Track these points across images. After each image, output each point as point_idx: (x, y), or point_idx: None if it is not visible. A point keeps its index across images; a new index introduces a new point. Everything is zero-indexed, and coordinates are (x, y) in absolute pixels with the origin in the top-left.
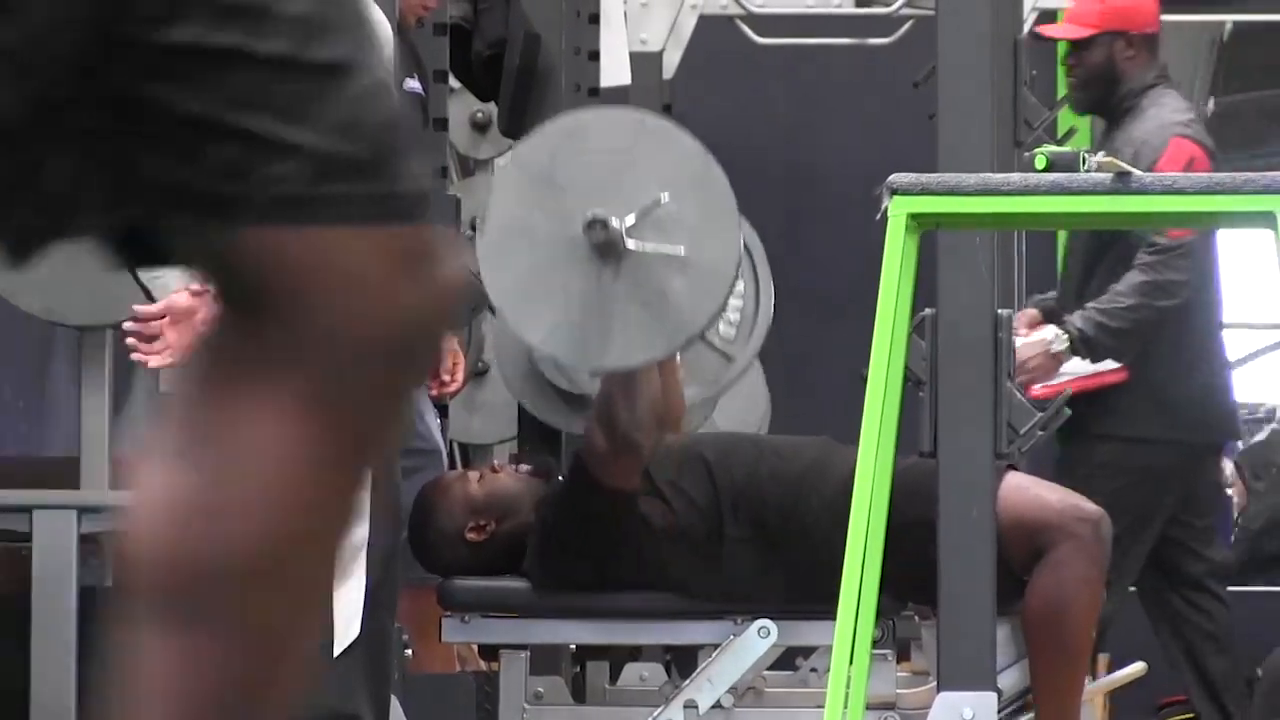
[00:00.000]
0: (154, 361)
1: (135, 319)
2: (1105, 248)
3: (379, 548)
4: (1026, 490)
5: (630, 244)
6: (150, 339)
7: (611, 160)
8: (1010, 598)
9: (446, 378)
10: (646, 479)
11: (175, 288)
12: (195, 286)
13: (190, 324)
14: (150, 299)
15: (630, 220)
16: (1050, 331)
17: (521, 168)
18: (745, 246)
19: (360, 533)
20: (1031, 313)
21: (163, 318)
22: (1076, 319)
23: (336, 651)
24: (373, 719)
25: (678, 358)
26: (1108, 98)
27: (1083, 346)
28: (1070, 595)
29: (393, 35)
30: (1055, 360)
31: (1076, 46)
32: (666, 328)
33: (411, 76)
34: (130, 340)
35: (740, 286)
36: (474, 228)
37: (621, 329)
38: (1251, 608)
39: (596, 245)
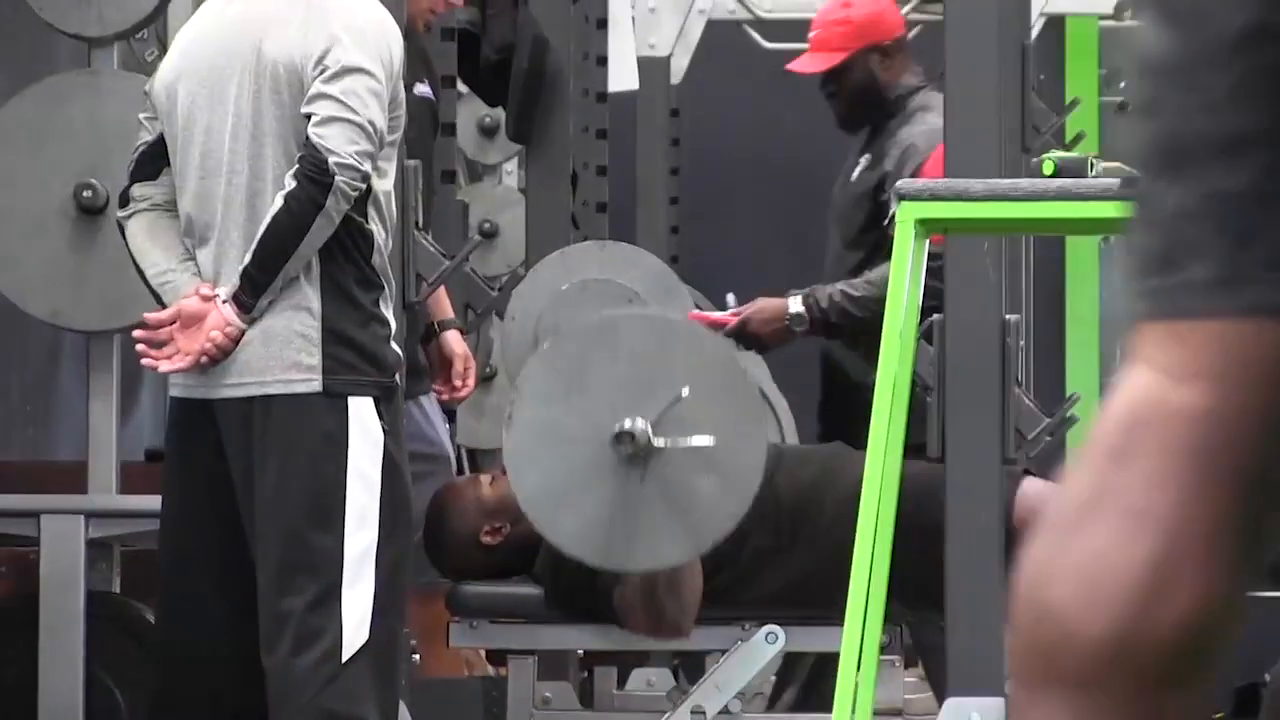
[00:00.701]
0: (164, 367)
1: (145, 324)
2: (868, 230)
3: (388, 553)
4: (1040, 495)
5: (658, 441)
6: (160, 344)
7: (639, 361)
8: None
9: (458, 383)
10: None
11: (186, 292)
12: (206, 291)
13: (200, 329)
14: (161, 305)
15: (654, 417)
16: (794, 297)
17: (550, 368)
18: (771, 406)
19: (369, 538)
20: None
21: (173, 323)
22: (821, 291)
23: (345, 656)
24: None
25: None
26: (875, 111)
27: (819, 322)
28: None
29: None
30: (786, 329)
31: (833, 73)
32: (694, 529)
33: (422, 81)
34: (140, 346)
35: None
36: (482, 232)
37: (649, 532)
38: (1259, 613)
39: (626, 458)
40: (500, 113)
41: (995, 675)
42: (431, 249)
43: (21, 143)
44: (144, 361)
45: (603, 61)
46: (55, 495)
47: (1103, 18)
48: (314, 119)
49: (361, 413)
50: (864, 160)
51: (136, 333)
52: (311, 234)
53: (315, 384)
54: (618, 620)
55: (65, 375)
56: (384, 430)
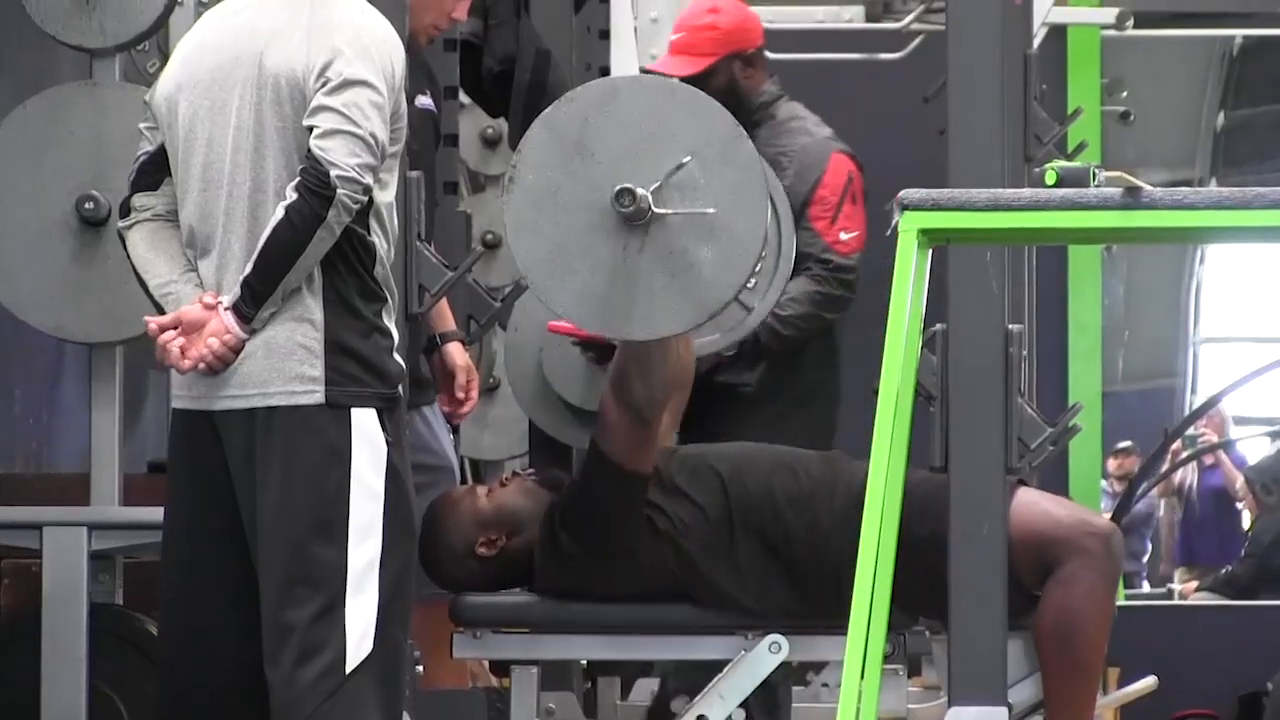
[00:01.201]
0: (175, 359)
1: (149, 330)
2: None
3: (392, 565)
4: (1036, 505)
5: (658, 209)
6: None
7: (641, 128)
8: (1021, 612)
9: (461, 396)
10: (657, 487)
11: (188, 300)
12: (208, 299)
13: (200, 336)
14: (161, 312)
15: (655, 185)
16: None
17: (552, 132)
18: (770, 198)
19: (373, 549)
20: None
21: (174, 328)
22: None
23: (349, 668)
24: None
25: None
26: (736, 117)
27: (749, 342)
28: (1081, 610)
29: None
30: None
31: (695, 78)
32: (693, 298)
33: (424, 93)
34: (164, 336)
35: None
36: (484, 243)
37: (648, 299)
38: (1262, 622)
39: (626, 216)
40: (503, 124)
41: (998, 685)
42: (434, 260)
43: (23, 154)
44: (161, 341)
45: (605, 72)
46: (58, 507)
47: (1104, 27)
48: (316, 131)
49: (365, 424)
50: None
51: (149, 319)
52: (312, 246)
53: (318, 395)
54: (600, 442)
55: (67, 387)
56: (387, 442)
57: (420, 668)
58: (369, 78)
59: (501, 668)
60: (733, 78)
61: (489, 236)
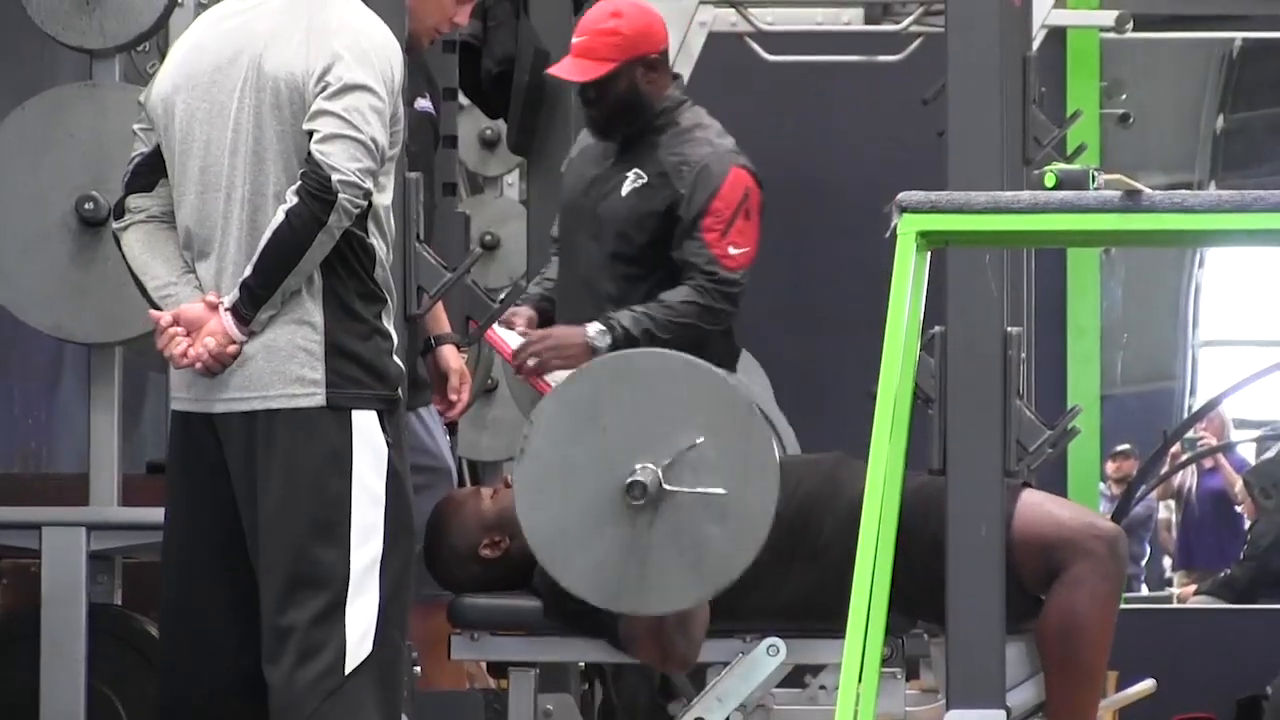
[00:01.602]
0: (174, 354)
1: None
2: (651, 247)
3: (392, 566)
4: (1041, 507)
5: (668, 485)
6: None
7: (653, 401)
8: (1024, 615)
9: (454, 397)
10: None
11: (187, 301)
12: (211, 299)
13: (199, 335)
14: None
15: (666, 462)
16: (594, 327)
17: (565, 404)
18: (778, 436)
19: (374, 551)
20: (529, 313)
21: (174, 325)
22: (625, 318)
23: (348, 669)
24: None
25: None
26: (637, 121)
27: (624, 346)
28: (1086, 613)
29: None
30: (591, 354)
31: (597, 82)
32: (703, 574)
33: (423, 95)
34: (173, 328)
35: None
36: (483, 244)
37: (659, 575)
38: (1260, 625)
39: (637, 506)
40: (501, 125)
41: (996, 688)
42: (433, 261)
43: (23, 155)
44: (168, 332)
45: None
46: (57, 508)
47: (1104, 30)
48: (316, 136)
49: (365, 426)
50: (633, 174)
51: (153, 313)
52: (312, 250)
53: (319, 398)
54: (620, 645)
55: (66, 388)
56: (388, 443)
57: (418, 669)
58: (369, 82)
59: (499, 669)
60: (635, 83)
61: (487, 237)
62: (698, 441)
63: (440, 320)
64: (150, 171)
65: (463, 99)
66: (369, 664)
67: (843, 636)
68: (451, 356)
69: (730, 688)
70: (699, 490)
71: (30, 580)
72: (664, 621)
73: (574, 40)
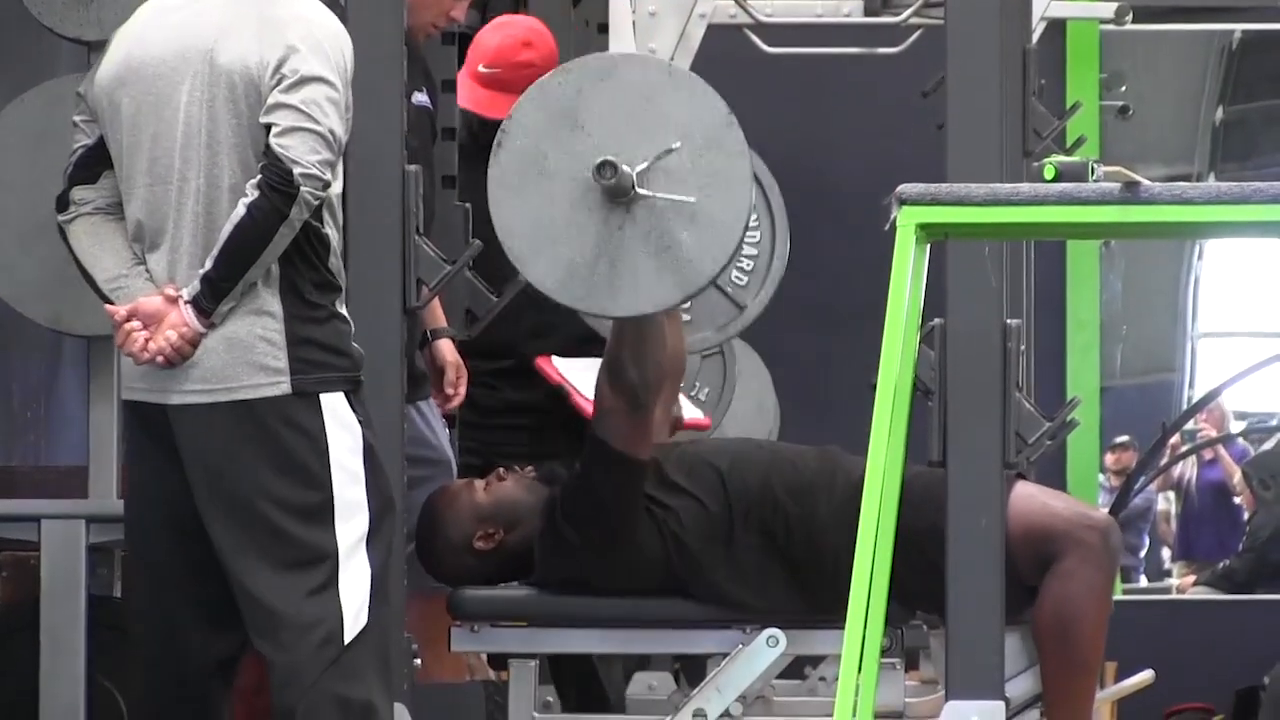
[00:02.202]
0: (132, 350)
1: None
2: None
3: (380, 541)
4: (1034, 499)
5: (641, 190)
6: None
7: (633, 105)
8: (1019, 606)
9: (450, 390)
10: (656, 483)
11: (141, 293)
12: (170, 291)
13: (159, 329)
14: (108, 304)
15: (642, 166)
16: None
17: (545, 100)
18: (765, 196)
19: (361, 527)
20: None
21: (129, 320)
22: None
23: (347, 639)
24: (385, 701)
25: (679, 311)
26: None
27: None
28: (1080, 604)
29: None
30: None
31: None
32: (676, 276)
33: (420, 90)
34: (129, 324)
35: (755, 235)
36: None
37: (630, 275)
38: (1259, 616)
39: (607, 189)
40: None
41: (995, 679)
42: (432, 254)
43: (20, 147)
44: (126, 329)
45: None
46: (56, 500)
47: (1104, 22)
48: (275, 129)
49: (335, 407)
50: None
51: (110, 308)
52: (274, 242)
53: (284, 386)
54: (597, 430)
55: (66, 380)
56: (360, 421)
57: (418, 661)
58: (325, 74)
59: (499, 661)
60: None
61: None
62: (674, 146)
63: (437, 314)
64: (94, 163)
65: None
66: (366, 634)
67: (842, 627)
68: (448, 350)
69: (730, 679)
70: (670, 197)
71: (30, 573)
72: (620, 348)
73: (485, 70)
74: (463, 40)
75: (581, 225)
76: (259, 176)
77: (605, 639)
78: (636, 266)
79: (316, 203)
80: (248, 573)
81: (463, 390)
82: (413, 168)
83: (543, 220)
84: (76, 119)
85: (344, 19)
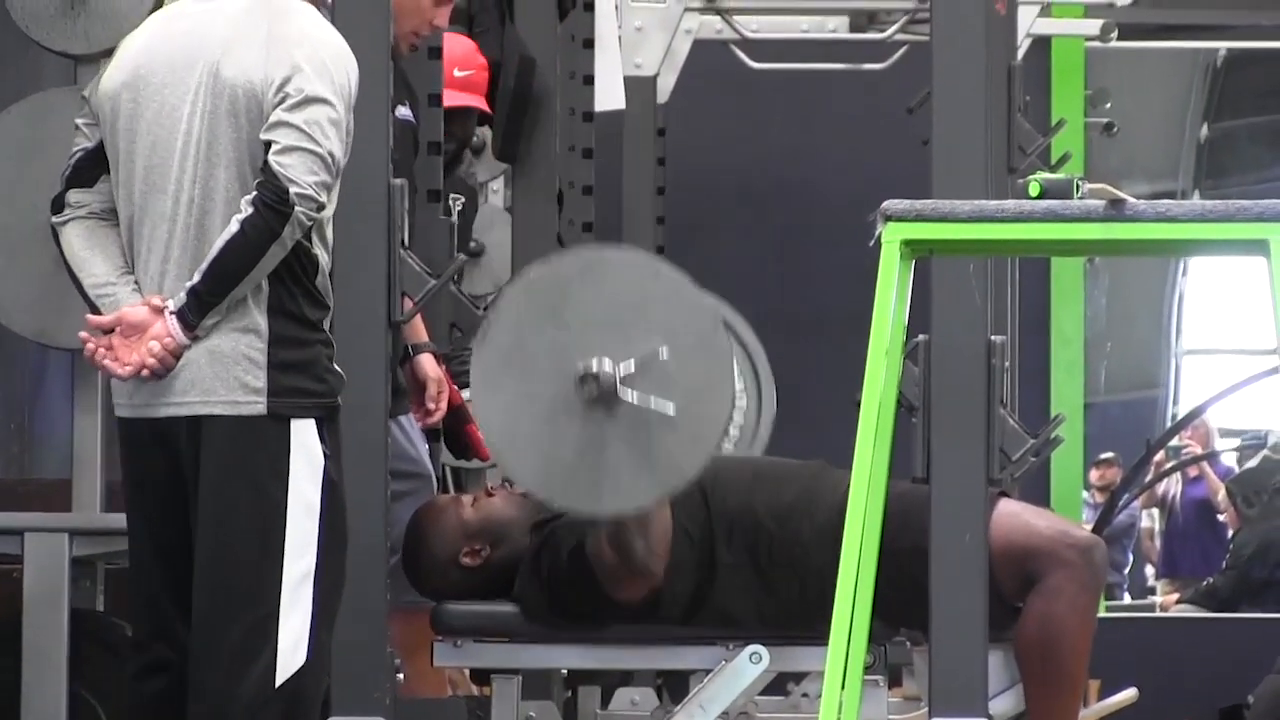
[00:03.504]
0: (106, 363)
1: (89, 328)
2: None
3: (327, 578)
4: (1017, 517)
5: (624, 394)
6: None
7: (619, 305)
8: (1003, 624)
9: (431, 405)
10: None
11: (128, 303)
12: (156, 302)
13: (143, 339)
14: (93, 310)
15: (630, 369)
16: None
17: (531, 295)
18: (752, 364)
19: (308, 563)
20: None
21: (112, 330)
22: None
23: (282, 678)
24: None
25: None
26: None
27: None
28: (1062, 622)
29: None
30: None
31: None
32: (658, 475)
33: (403, 103)
34: (90, 344)
35: (743, 402)
36: (467, 251)
37: (613, 474)
38: (1242, 634)
39: (588, 399)
40: (487, 131)
41: (979, 696)
42: (417, 268)
43: (7, 160)
44: (90, 350)
45: (589, 81)
46: (39, 513)
47: (1089, 39)
48: (275, 147)
49: (304, 436)
50: None
51: (83, 334)
52: (265, 260)
53: (260, 406)
54: (597, 575)
55: (50, 393)
56: (325, 454)
57: (400, 675)
58: (328, 95)
59: (482, 676)
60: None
61: (472, 244)
62: (662, 354)
63: (419, 329)
64: (92, 167)
65: None
66: (301, 673)
67: (825, 644)
68: (429, 365)
69: (713, 695)
70: (652, 406)
71: (12, 586)
72: (624, 525)
73: (459, 75)
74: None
75: (562, 426)
76: (254, 193)
77: (588, 655)
78: (618, 467)
79: (310, 224)
80: (198, 596)
81: (443, 406)
82: (397, 181)
83: (523, 418)
84: (79, 121)
85: None
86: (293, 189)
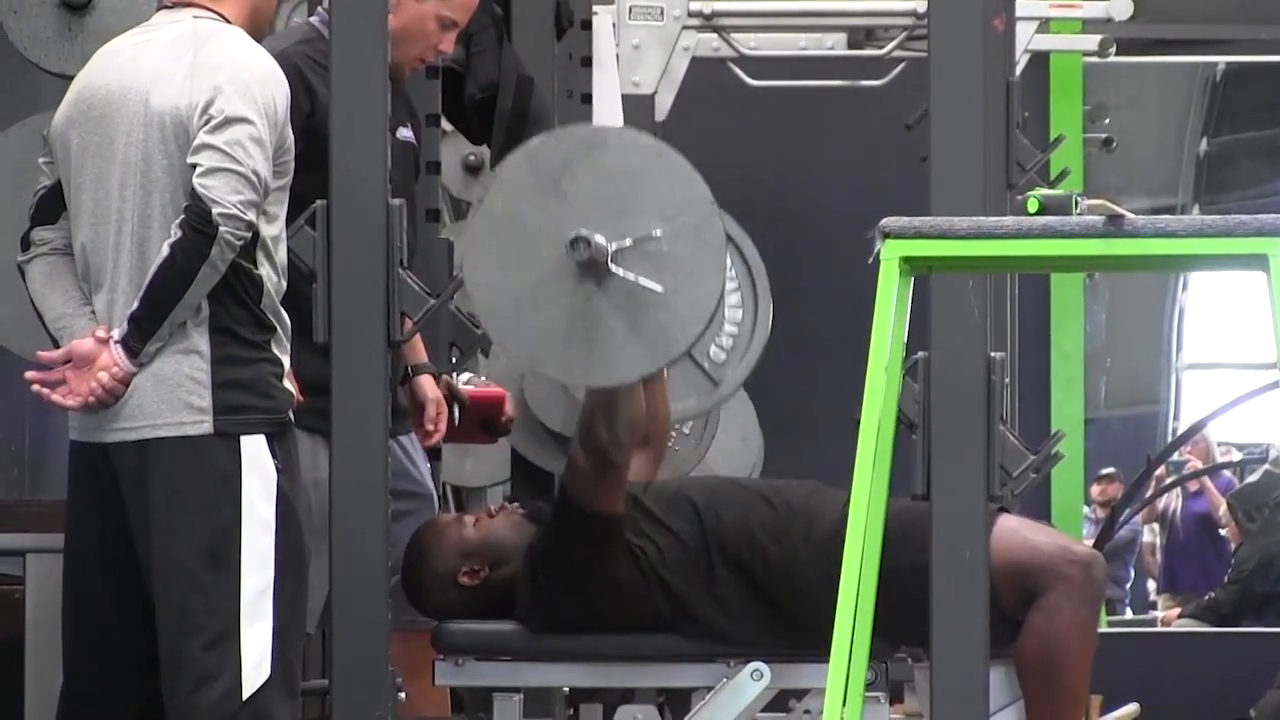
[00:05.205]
0: (55, 398)
1: (39, 363)
2: None
3: (286, 591)
4: (1016, 533)
5: (614, 268)
6: (55, 384)
7: (618, 183)
8: (1003, 640)
9: (430, 426)
10: (634, 517)
11: (81, 334)
12: (101, 333)
13: (91, 370)
14: (55, 345)
15: (625, 243)
16: None
17: (531, 165)
18: (750, 275)
19: (266, 577)
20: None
21: (67, 362)
22: None
23: (246, 694)
24: None
25: (665, 375)
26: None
27: None
28: (1064, 638)
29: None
30: None
31: None
32: (648, 346)
33: (405, 125)
34: (35, 386)
35: (739, 313)
36: None
37: (605, 344)
38: (1244, 649)
39: (580, 264)
40: (485, 151)
41: (980, 712)
42: (416, 287)
43: (5, 182)
44: (36, 390)
45: (587, 99)
46: (41, 534)
47: (1087, 54)
48: (199, 170)
49: (254, 451)
50: None
51: (30, 374)
52: (197, 283)
53: (206, 426)
54: (572, 491)
55: (51, 415)
56: (278, 469)
57: (402, 695)
58: (249, 115)
59: (478, 697)
60: None
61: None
62: (655, 234)
63: (418, 350)
64: (54, 203)
65: (446, 125)
66: (267, 688)
67: (826, 661)
68: (428, 386)
69: (715, 712)
70: (640, 282)
71: (14, 607)
72: (592, 413)
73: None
74: (447, 75)
75: (553, 294)
76: (181, 216)
77: (590, 673)
78: (609, 338)
79: (239, 243)
80: (160, 616)
81: (443, 427)
82: (396, 202)
83: (514, 285)
84: (40, 160)
85: (328, 54)
86: (215, 209)
